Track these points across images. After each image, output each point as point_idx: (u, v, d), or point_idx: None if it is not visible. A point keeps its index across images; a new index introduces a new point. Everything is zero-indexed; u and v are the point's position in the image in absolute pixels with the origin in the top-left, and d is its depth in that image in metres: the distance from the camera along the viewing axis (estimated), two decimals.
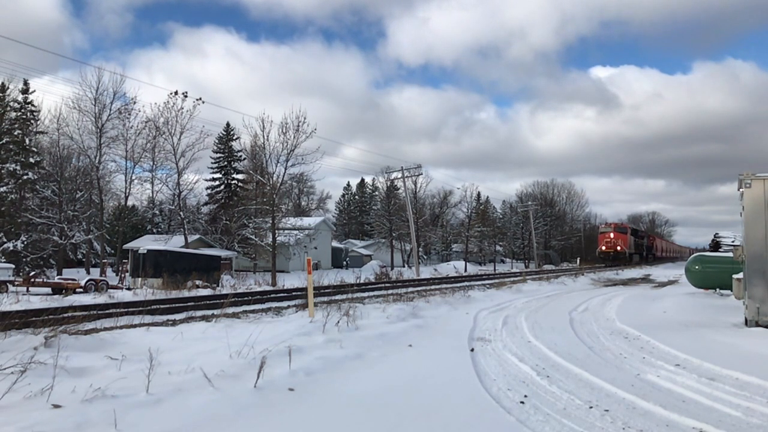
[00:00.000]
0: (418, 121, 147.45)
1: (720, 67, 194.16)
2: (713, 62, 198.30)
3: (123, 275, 30.82)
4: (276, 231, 35.39)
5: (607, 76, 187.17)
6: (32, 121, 37.56)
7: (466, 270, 53.20)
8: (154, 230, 47.23)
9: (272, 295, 18.99)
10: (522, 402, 5.49)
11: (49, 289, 23.39)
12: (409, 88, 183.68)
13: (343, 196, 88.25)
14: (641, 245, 70.24)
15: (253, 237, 41.81)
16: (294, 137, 33.16)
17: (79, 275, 31.88)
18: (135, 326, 10.17)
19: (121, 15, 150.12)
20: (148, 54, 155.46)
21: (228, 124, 47.83)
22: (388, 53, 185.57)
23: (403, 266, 55.47)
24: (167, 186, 41.62)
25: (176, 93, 37.59)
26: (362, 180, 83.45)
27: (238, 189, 47.99)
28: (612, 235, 60.62)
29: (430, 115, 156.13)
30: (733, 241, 52.15)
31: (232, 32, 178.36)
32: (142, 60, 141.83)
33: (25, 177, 34.54)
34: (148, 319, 12.16)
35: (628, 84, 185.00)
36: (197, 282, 25.18)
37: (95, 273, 35.42)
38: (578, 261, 65.13)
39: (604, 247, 60.79)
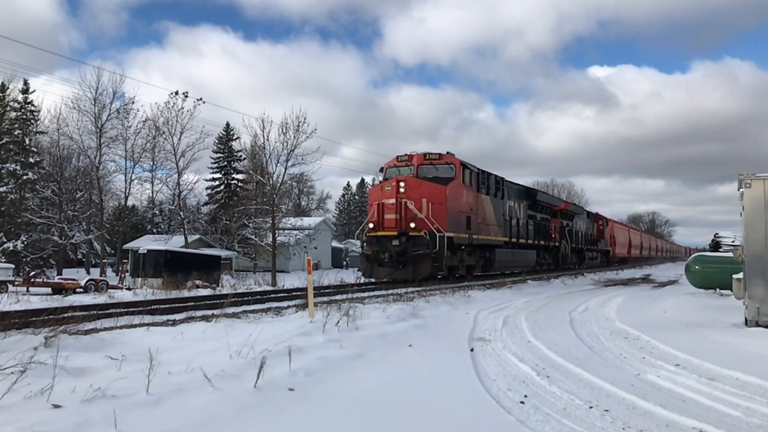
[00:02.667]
0: (416, 121, 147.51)
1: (718, 67, 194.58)
2: (711, 61, 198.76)
3: (123, 275, 30.83)
4: (276, 231, 35.41)
5: (605, 76, 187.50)
6: (32, 121, 37.63)
7: None
8: (154, 230, 47.24)
9: (272, 295, 18.93)
10: (522, 402, 5.49)
11: (49, 289, 23.37)
12: (407, 87, 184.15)
13: (343, 196, 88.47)
14: (555, 230, 33.93)
15: (253, 237, 41.84)
16: (294, 137, 33.29)
17: (79, 275, 31.88)
18: (135, 326, 10.13)
19: (116, 14, 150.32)
20: (145, 53, 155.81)
21: (228, 124, 48.00)
22: (385, 53, 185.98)
23: None
24: (167, 186, 41.76)
25: (176, 93, 37.68)
26: (362, 180, 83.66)
27: (238, 189, 48.05)
28: (402, 188, 20.72)
29: (428, 115, 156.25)
30: (733, 241, 51.74)
31: (229, 31, 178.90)
32: (138, 59, 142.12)
33: (25, 177, 34.60)
34: (148, 319, 12.12)
35: (627, 83, 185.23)
36: (197, 282, 25.17)
37: (95, 273, 35.43)
38: None
39: (371, 225, 21.36)
